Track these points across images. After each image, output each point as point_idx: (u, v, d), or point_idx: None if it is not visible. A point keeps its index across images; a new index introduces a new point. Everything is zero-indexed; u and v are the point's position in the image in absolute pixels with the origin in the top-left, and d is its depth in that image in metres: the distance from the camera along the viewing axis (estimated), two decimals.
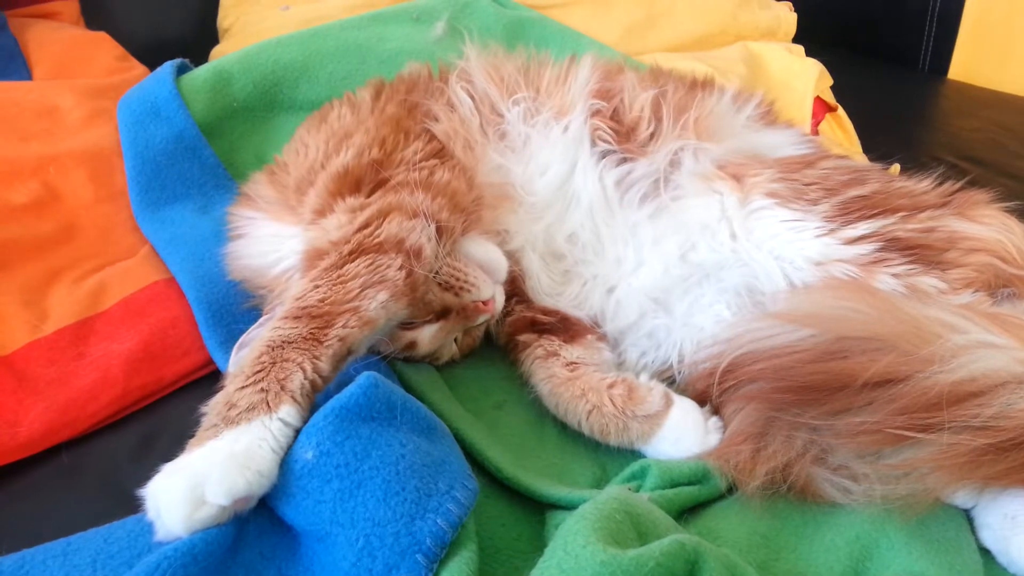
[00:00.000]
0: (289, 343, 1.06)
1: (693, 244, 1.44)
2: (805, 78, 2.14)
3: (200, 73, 1.82)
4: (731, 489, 1.18)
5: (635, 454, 1.29)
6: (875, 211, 1.33)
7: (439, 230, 1.27)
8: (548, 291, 1.49)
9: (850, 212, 1.34)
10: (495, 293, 1.36)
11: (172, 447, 0.98)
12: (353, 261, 1.17)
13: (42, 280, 1.47)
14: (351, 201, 1.28)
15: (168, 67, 1.81)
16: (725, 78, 1.98)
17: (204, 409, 1.02)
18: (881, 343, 1.12)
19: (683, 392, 1.34)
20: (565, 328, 1.43)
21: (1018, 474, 1.05)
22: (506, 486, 1.19)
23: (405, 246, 1.20)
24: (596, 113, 1.51)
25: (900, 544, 1.04)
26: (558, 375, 1.34)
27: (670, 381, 1.42)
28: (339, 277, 1.14)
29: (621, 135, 1.50)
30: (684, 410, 1.28)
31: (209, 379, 1.33)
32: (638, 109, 1.52)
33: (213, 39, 2.36)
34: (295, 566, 0.98)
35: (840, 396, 1.11)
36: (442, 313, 1.33)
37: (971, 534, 1.12)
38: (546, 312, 1.46)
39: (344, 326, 1.10)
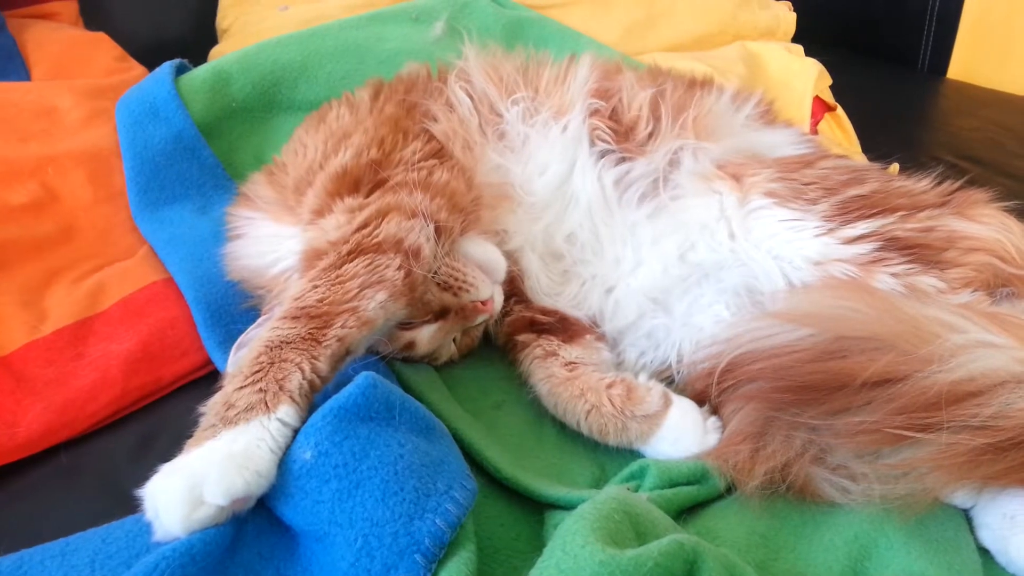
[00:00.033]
0: (287, 343, 1.06)
1: (692, 244, 1.44)
2: (804, 78, 2.14)
3: (199, 73, 1.82)
4: (730, 489, 1.18)
5: (634, 454, 1.29)
6: (874, 211, 1.33)
7: (438, 230, 1.27)
8: (547, 291, 1.49)
9: (849, 212, 1.34)
10: (494, 293, 1.36)
11: (170, 447, 0.98)
12: (352, 261, 1.17)
13: (41, 280, 1.47)
14: (350, 201, 1.28)
15: (167, 67, 1.81)
16: (724, 78, 1.98)
17: (202, 409, 1.02)
18: (880, 343, 1.12)
19: (682, 392, 1.34)
20: (564, 328, 1.43)
21: (1017, 474, 1.05)
22: (505, 486, 1.18)
23: (404, 246, 1.20)
24: (595, 112, 1.51)
25: (899, 544, 1.04)
26: (557, 375, 1.34)
27: (669, 381, 1.42)
28: (338, 277, 1.14)
29: (620, 134, 1.50)
30: (683, 410, 1.27)
31: (208, 379, 1.33)
32: (636, 108, 1.52)
33: (212, 39, 2.36)
34: (293, 566, 0.98)
35: (839, 396, 1.10)
36: (441, 313, 1.33)
37: (970, 534, 1.11)
38: (545, 312, 1.46)
39: (343, 326, 1.10)
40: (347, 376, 1.08)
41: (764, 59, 2.25)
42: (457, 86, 1.56)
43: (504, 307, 1.43)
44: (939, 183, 1.43)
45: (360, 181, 1.32)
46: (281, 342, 1.06)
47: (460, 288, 1.31)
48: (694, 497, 1.16)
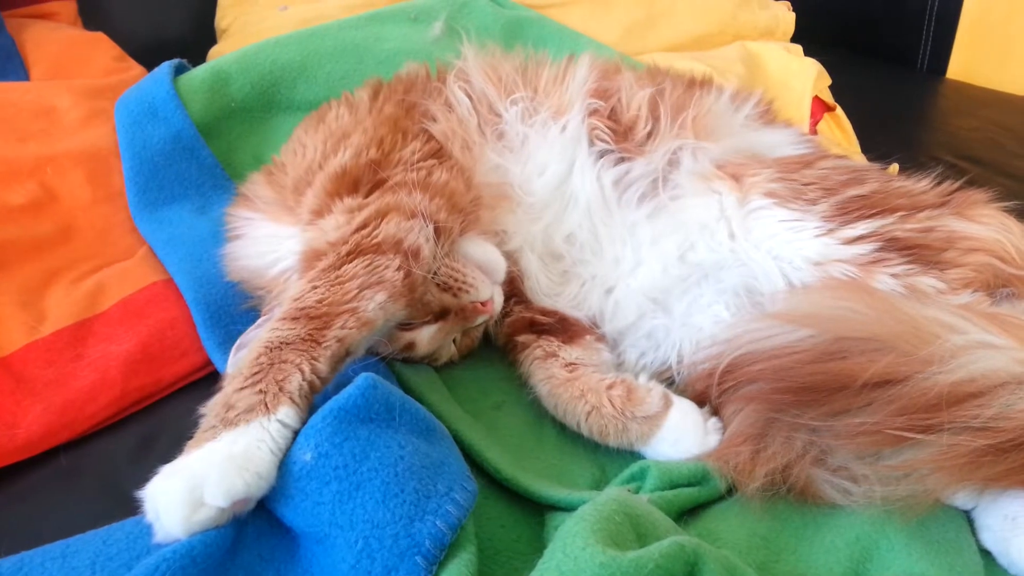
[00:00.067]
0: (287, 344, 1.06)
1: (692, 244, 1.44)
2: (803, 78, 2.14)
3: (198, 73, 1.81)
4: (731, 490, 1.18)
5: (634, 455, 1.29)
6: (874, 211, 1.33)
7: (437, 230, 1.27)
8: (547, 292, 1.49)
9: (849, 212, 1.34)
10: (493, 294, 1.36)
11: (171, 449, 0.98)
12: (351, 262, 1.17)
13: (40, 281, 1.47)
14: (349, 201, 1.28)
15: (166, 67, 1.81)
16: (723, 78, 1.98)
17: (202, 411, 1.02)
18: (880, 343, 1.12)
19: (682, 393, 1.34)
20: (564, 329, 1.43)
21: (1018, 475, 1.05)
22: (505, 487, 1.18)
23: (403, 247, 1.20)
24: (594, 112, 1.51)
25: (900, 545, 1.04)
26: (557, 376, 1.34)
27: (669, 382, 1.42)
28: (337, 278, 1.14)
29: (619, 134, 1.50)
30: (683, 411, 1.27)
31: (207, 380, 1.33)
32: (635, 108, 1.52)
33: (211, 39, 2.36)
34: (294, 568, 0.98)
35: (839, 397, 1.10)
36: (440, 314, 1.33)
37: (971, 535, 1.11)
38: (545, 313, 1.46)
39: (342, 327, 1.09)
40: (347, 377, 1.07)
41: (763, 59, 2.25)
42: (456, 86, 1.55)
43: (504, 308, 1.43)
44: (939, 183, 1.43)
45: (359, 181, 1.32)
46: (281, 343, 1.06)
47: (460, 289, 1.31)
48: (695, 498, 1.16)
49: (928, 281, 1.28)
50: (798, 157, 1.51)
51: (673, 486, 1.15)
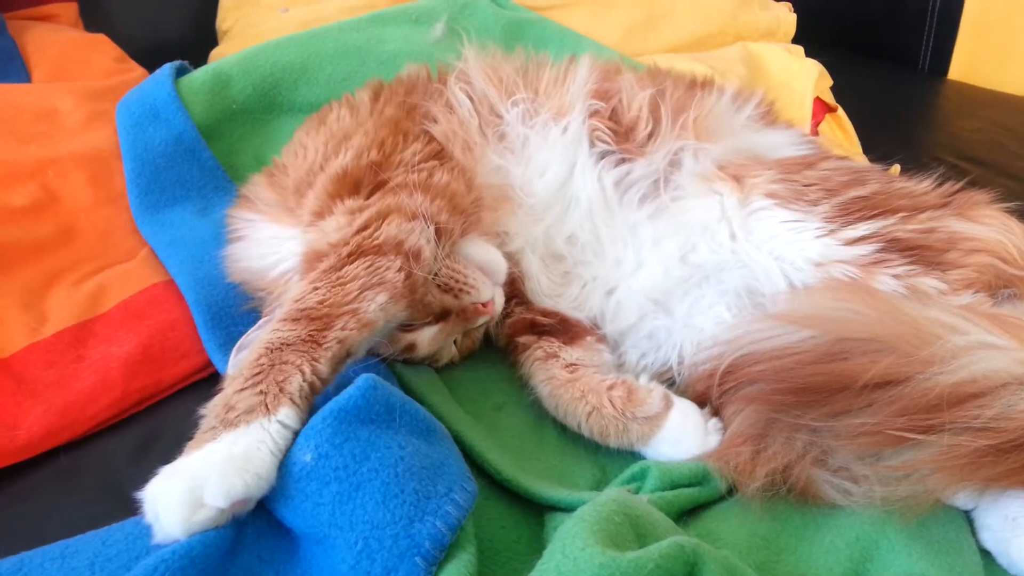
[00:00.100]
0: (288, 345, 1.06)
1: (693, 245, 1.44)
2: (805, 79, 2.14)
3: (199, 75, 1.82)
4: (731, 491, 1.18)
5: (635, 456, 1.29)
6: (875, 212, 1.33)
7: (438, 232, 1.27)
8: (548, 293, 1.49)
9: (850, 213, 1.34)
10: (494, 295, 1.36)
11: (171, 450, 0.98)
12: (352, 263, 1.17)
13: (41, 283, 1.47)
14: (350, 203, 1.28)
15: (167, 69, 1.81)
16: (724, 79, 1.97)
17: (203, 411, 1.02)
18: (881, 344, 1.12)
19: (683, 394, 1.34)
20: (565, 330, 1.43)
21: (1019, 475, 1.05)
22: (506, 488, 1.18)
23: (404, 248, 1.20)
24: (594, 113, 1.51)
25: (900, 546, 1.04)
26: (558, 377, 1.34)
27: (670, 383, 1.42)
28: (338, 279, 1.14)
29: (619, 135, 1.50)
30: (684, 412, 1.27)
31: (208, 381, 1.33)
32: (636, 109, 1.51)
33: (212, 41, 2.36)
34: (293, 569, 0.98)
35: (840, 397, 1.10)
36: (441, 315, 1.32)
37: (971, 536, 1.12)
38: (546, 314, 1.46)
39: (343, 328, 1.09)
40: (347, 378, 1.07)
41: (764, 60, 2.26)
42: (457, 87, 1.55)
43: (505, 309, 1.43)
44: (940, 184, 1.43)
45: (360, 183, 1.32)
46: (281, 344, 1.06)
47: (461, 290, 1.31)
48: (695, 499, 1.16)
49: (929, 282, 1.28)
50: (799, 158, 1.51)
51: (673, 486, 1.15)
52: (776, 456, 1.15)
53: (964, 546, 1.08)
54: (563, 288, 1.50)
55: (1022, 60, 2.76)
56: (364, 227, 1.22)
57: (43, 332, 1.37)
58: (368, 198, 1.29)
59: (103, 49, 2.12)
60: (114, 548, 0.98)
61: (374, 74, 1.73)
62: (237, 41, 2.24)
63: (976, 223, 1.34)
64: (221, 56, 2.03)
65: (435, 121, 1.50)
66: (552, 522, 1.11)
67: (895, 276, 1.28)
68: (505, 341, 1.48)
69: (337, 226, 1.24)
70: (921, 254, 1.30)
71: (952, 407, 1.04)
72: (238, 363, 1.11)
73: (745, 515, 1.13)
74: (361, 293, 1.13)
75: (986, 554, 1.10)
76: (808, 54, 2.27)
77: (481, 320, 1.36)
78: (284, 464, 0.97)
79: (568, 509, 1.10)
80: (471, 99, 1.54)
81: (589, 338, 1.43)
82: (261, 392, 1.00)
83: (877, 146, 2.02)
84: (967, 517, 1.14)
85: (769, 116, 1.64)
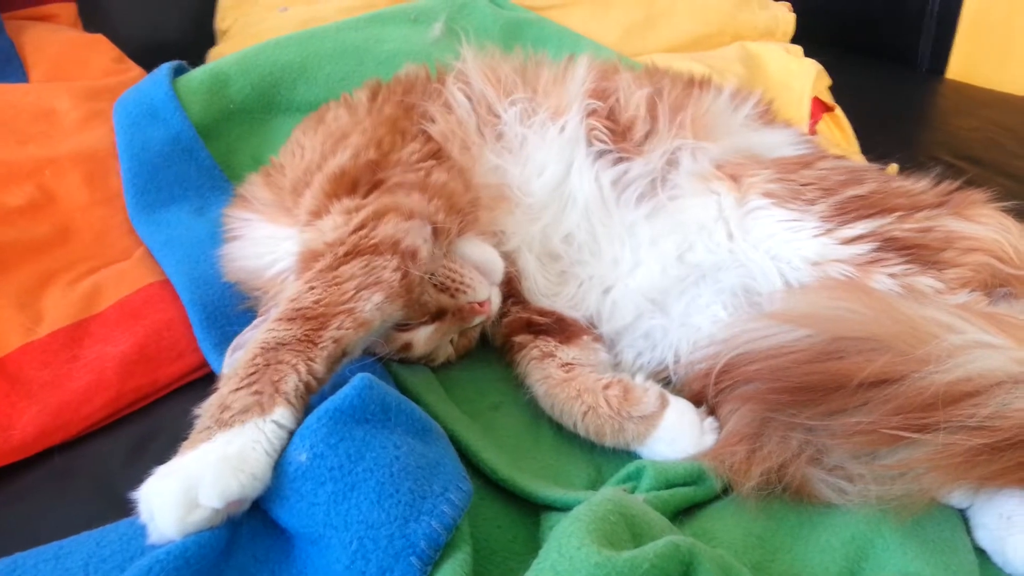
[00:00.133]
0: (283, 345, 1.06)
1: (690, 244, 1.44)
2: (803, 78, 2.14)
3: (197, 75, 1.82)
4: (727, 490, 1.18)
5: (631, 455, 1.29)
6: (872, 211, 1.33)
7: (435, 231, 1.27)
8: (544, 292, 1.49)
9: (847, 212, 1.34)
10: (491, 294, 1.36)
11: (166, 450, 0.97)
12: (348, 262, 1.16)
13: (37, 282, 1.46)
14: (347, 202, 1.27)
15: (165, 69, 1.81)
16: (723, 78, 1.97)
17: (198, 411, 1.02)
18: (877, 343, 1.12)
19: (679, 393, 1.34)
20: (561, 329, 1.43)
21: (1014, 474, 1.05)
22: (501, 488, 1.18)
23: (401, 247, 1.20)
24: (592, 113, 1.51)
25: (896, 544, 1.04)
26: (554, 376, 1.34)
27: (666, 382, 1.42)
28: (334, 279, 1.14)
29: (617, 134, 1.50)
30: (680, 411, 1.27)
31: (203, 381, 1.33)
32: (633, 108, 1.51)
33: (210, 41, 2.36)
34: (289, 569, 0.98)
35: (836, 396, 1.10)
36: (438, 314, 1.32)
37: (966, 534, 1.11)
38: (542, 313, 1.46)
39: (339, 328, 1.09)
40: (343, 378, 1.07)
41: (763, 60, 2.26)
42: (455, 87, 1.55)
43: (501, 308, 1.43)
44: (937, 183, 1.43)
45: (358, 182, 1.31)
46: (277, 344, 1.06)
47: (457, 289, 1.31)
48: (691, 498, 1.16)
49: (926, 281, 1.28)
50: (797, 157, 1.51)
51: (669, 486, 1.15)
52: (772, 455, 1.15)
53: (959, 545, 1.08)
54: (560, 287, 1.50)
55: (1020, 60, 2.75)
56: (361, 226, 1.22)
57: (38, 332, 1.37)
58: (365, 197, 1.29)
59: (101, 49, 2.12)
60: (109, 549, 0.98)
61: (372, 74, 1.73)
62: (235, 41, 2.24)
63: (973, 222, 1.34)
64: (219, 56, 2.04)
65: (433, 121, 1.50)
66: (548, 521, 1.11)
67: (891, 275, 1.28)
68: (501, 340, 1.48)
69: (334, 225, 1.24)
70: (917, 253, 1.30)
71: (947, 406, 1.04)
72: (233, 363, 1.10)
73: (741, 514, 1.13)
74: (357, 293, 1.13)
75: (981, 553, 1.10)
76: (807, 54, 2.27)
77: (477, 319, 1.36)
78: (279, 464, 0.97)
79: (564, 508, 1.10)
80: (469, 99, 1.54)
81: (585, 337, 1.43)
82: (256, 392, 1.00)
83: (875, 145, 2.03)
84: (962, 516, 1.14)
85: (767, 115, 1.64)
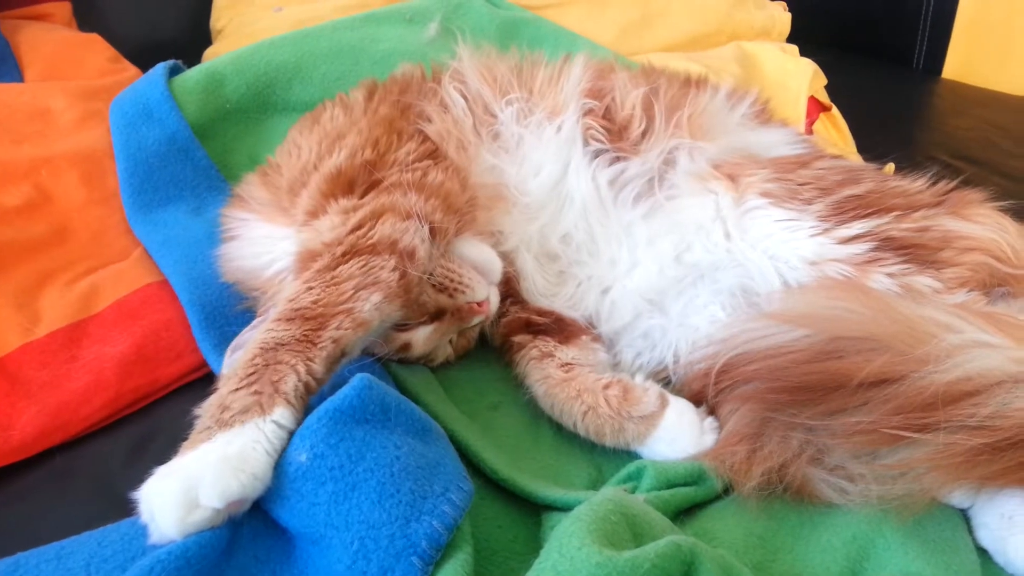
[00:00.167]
0: (282, 345, 1.06)
1: (688, 244, 1.44)
2: (799, 78, 2.14)
3: (192, 75, 1.81)
4: (727, 490, 1.18)
5: (631, 455, 1.29)
6: (869, 210, 1.33)
7: (433, 231, 1.27)
8: (543, 292, 1.48)
9: (844, 211, 1.34)
10: (489, 294, 1.36)
11: (166, 450, 0.97)
12: (346, 262, 1.16)
13: (34, 283, 1.46)
14: (344, 202, 1.27)
15: (160, 69, 1.81)
16: (719, 78, 1.96)
17: (197, 412, 1.02)
18: (876, 343, 1.12)
19: (679, 393, 1.34)
20: (560, 329, 1.43)
21: (1014, 474, 1.05)
22: (502, 488, 1.18)
23: (399, 247, 1.20)
24: (588, 112, 1.51)
25: (897, 544, 1.04)
26: (553, 376, 1.34)
27: (666, 382, 1.42)
28: (332, 279, 1.14)
29: (613, 134, 1.50)
30: (679, 411, 1.27)
31: (203, 382, 1.33)
32: (629, 107, 1.51)
33: (206, 40, 2.36)
34: (289, 569, 0.98)
35: (835, 396, 1.10)
36: (436, 314, 1.32)
37: (968, 534, 1.11)
38: (541, 313, 1.45)
39: (338, 328, 1.09)
40: (343, 378, 1.07)
41: (759, 59, 2.26)
42: (451, 87, 1.55)
43: (500, 308, 1.43)
44: (934, 183, 1.43)
45: (354, 182, 1.31)
46: (276, 344, 1.06)
47: (456, 289, 1.31)
48: (691, 498, 1.16)
49: (924, 280, 1.28)
50: (794, 157, 1.51)
51: (669, 486, 1.15)
52: (772, 455, 1.15)
53: (960, 544, 1.08)
54: (558, 287, 1.49)
55: (1017, 59, 2.76)
56: (358, 226, 1.22)
57: (36, 332, 1.36)
58: (362, 197, 1.29)
59: (97, 49, 2.12)
60: (110, 549, 0.98)
61: (368, 73, 1.72)
62: (231, 40, 2.24)
63: (970, 222, 1.35)
64: (215, 55, 2.03)
65: (429, 120, 1.50)
66: (549, 521, 1.11)
67: (889, 275, 1.28)
68: (500, 340, 1.48)
69: (331, 225, 1.24)
70: (915, 253, 1.30)
71: (947, 405, 1.04)
72: (233, 363, 1.10)
73: (741, 514, 1.13)
74: (355, 293, 1.13)
75: (983, 552, 1.10)
76: (803, 53, 2.27)
77: (476, 319, 1.36)
78: (280, 464, 0.97)
79: (564, 509, 1.10)
80: (465, 98, 1.54)
81: (584, 337, 1.43)
82: (256, 392, 1.00)
83: (872, 145, 2.02)
84: (963, 515, 1.14)
85: (763, 115, 1.64)
